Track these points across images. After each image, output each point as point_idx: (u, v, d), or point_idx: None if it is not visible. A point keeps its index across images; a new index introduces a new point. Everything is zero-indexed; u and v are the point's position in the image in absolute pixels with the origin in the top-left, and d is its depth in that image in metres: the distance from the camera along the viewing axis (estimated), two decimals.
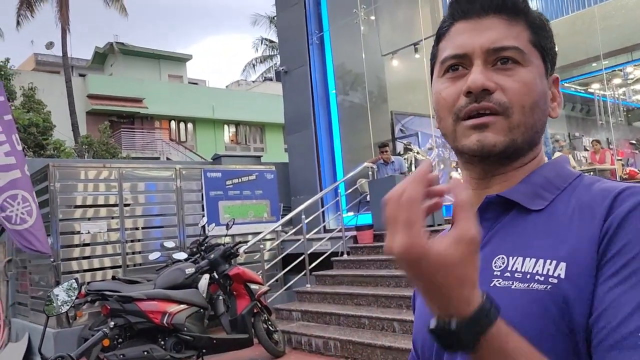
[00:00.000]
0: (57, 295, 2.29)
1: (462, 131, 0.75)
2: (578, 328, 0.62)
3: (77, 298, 2.39)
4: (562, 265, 0.64)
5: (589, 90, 12.68)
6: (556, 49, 0.79)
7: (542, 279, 0.65)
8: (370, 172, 8.42)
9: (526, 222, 0.72)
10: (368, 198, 8.86)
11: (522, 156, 0.76)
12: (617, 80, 12.35)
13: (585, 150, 12.34)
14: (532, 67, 0.74)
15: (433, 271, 0.53)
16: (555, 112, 0.79)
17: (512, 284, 0.67)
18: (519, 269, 0.68)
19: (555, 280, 0.64)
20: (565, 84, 11.86)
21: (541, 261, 0.66)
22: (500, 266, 0.70)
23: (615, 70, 11.50)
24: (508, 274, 0.69)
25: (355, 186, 9.03)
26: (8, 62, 15.09)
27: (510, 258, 0.70)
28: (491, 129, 0.73)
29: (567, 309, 0.62)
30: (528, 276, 0.66)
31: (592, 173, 8.45)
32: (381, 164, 8.60)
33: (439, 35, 0.80)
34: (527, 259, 0.68)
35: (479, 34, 0.74)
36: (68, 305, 2.25)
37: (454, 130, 0.76)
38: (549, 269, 0.65)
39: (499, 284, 0.69)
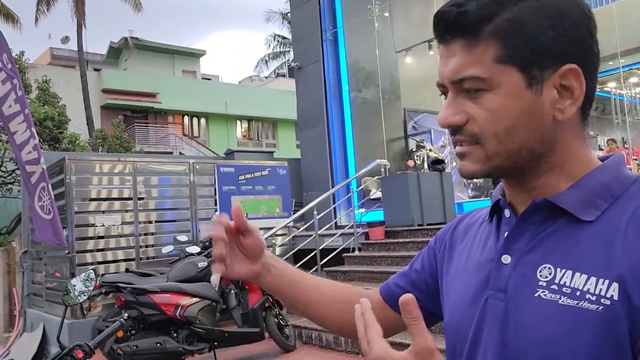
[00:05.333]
0: (74, 286, 2.33)
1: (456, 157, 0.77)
2: (625, 350, 0.61)
3: (93, 289, 2.43)
4: (615, 286, 0.62)
5: (605, 88, 12.53)
6: (561, 37, 0.68)
7: (593, 298, 0.63)
8: (382, 170, 8.41)
9: (577, 233, 0.68)
10: (373, 197, 8.87)
11: (533, 169, 0.72)
12: (634, 79, 12.19)
13: (600, 149, 12.21)
14: (499, 89, 0.68)
15: None
16: (565, 113, 0.70)
17: (560, 298, 0.65)
18: (567, 284, 0.66)
19: (608, 302, 0.62)
20: None
21: (593, 279, 0.64)
22: (546, 277, 0.68)
23: (632, 69, 11.35)
24: (555, 287, 0.67)
25: (367, 183, 9.05)
26: (23, 55, 15.23)
27: (559, 270, 0.67)
28: (467, 158, 0.73)
29: (617, 332, 0.61)
30: (578, 293, 0.64)
31: None
32: None
33: None
34: (578, 274, 0.65)
35: (446, 62, 0.72)
36: (85, 296, 2.29)
37: None
38: (601, 289, 0.63)
39: (545, 295, 0.67)
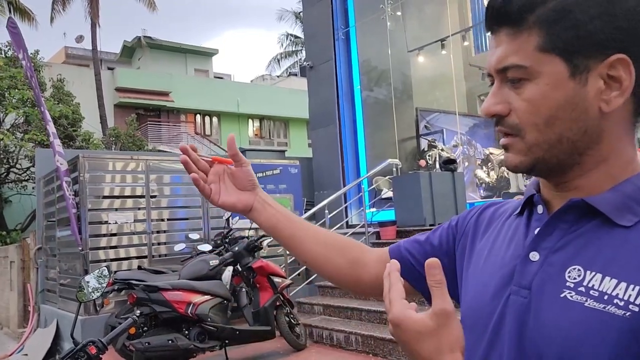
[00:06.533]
0: (88, 283, 2.36)
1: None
2: None
3: (106, 286, 2.45)
4: None
5: None
6: (610, 24, 0.66)
7: (621, 304, 0.62)
8: (394, 169, 8.39)
9: (610, 237, 0.67)
10: (384, 196, 8.85)
11: (575, 164, 0.71)
12: None
13: None
14: (540, 78, 0.68)
15: (410, 336, 0.64)
16: (611, 104, 0.67)
17: (586, 300, 0.64)
18: (595, 287, 0.64)
19: (637, 309, 0.61)
20: None
21: (623, 284, 0.63)
22: (575, 278, 0.67)
23: None
24: (582, 289, 0.65)
25: (378, 183, 9.03)
26: (38, 53, 15.39)
27: (588, 272, 0.66)
28: (511, 150, 0.73)
29: None
30: (606, 297, 0.63)
31: None
32: None
33: None
34: (607, 278, 0.64)
35: (493, 52, 0.73)
36: (99, 292, 2.31)
37: None
38: (630, 295, 0.62)
39: (571, 296, 0.66)
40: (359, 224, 8.06)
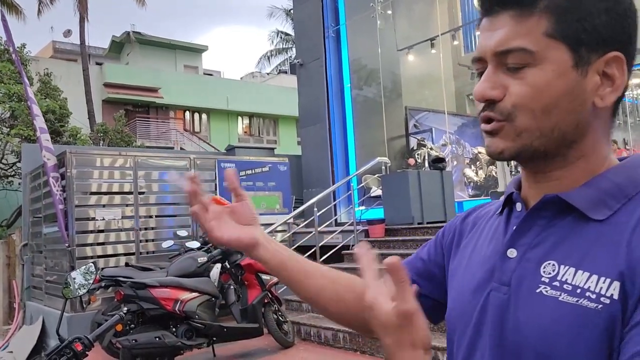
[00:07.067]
0: (74, 279, 2.35)
1: (483, 134, 0.74)
2: (616, 349, 0.61)
3: (92, 283, 2.44)
4: (616, 284, 0.62)
5: None
6: (614, 22, 0.67)
7: (593, 296, 0.63)
8: (383, 167, 8.42)
9: (585, 232, 0.68)
10: (373, 194, 8.88)
11: (559, 156, 0.71)
12: (636, 80, 12.17)
13: None
14: (546, 64, 0.67)
15: (377, 324, 0.64)
16: (605, 100, 0.68)
17: (560, 295, 0.65)
18: (569, 280, 0.65)
19: (607, 301, 0.61)
20: None
21: (594, 277, 0.63)
22: (549, 273, 0.68)
23: (634, 70, 11.30)
24: (557, 284, 0.66)
25: (367, 181, 9.05)
26: (24, 47, 15.20)
27: (562, 267, 0.67)
28: (498, 134, 0.71)
29: (613, 331, 0.61)
30: (578, 290, 0.64)
31: None
32: None
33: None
34: (580, 272, 0.65)
35: (490, 35, 0.70)
36: (85, 289, 2.31)
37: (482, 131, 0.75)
38: (601, 287, 0.62)
39: (546, 291, 0.67)
40: (347, 222, 8.08)
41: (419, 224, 7.16)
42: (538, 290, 0.68)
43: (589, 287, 0.63)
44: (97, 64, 25.17)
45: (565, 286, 0.65)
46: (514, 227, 0.75)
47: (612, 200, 0.68)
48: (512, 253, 0.73)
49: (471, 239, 0.86)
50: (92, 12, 27.31)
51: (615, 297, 0.61)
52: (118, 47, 28.02)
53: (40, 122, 6.96)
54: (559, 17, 0.67)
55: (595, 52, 0.67)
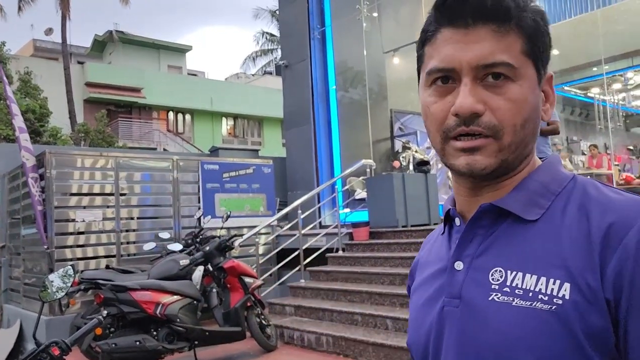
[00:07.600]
0: (52, 282, 2.28)
1: (451, 151, 0.72)
2: (586, 348, 0.62)
3: (71, 285, 2.38)
4: (567, 285, 0.64)
5: (589, 94, 12.69)
6: (550, 44, 0.74)
7: (546, 298, 0.64)
8: (368, 170, 8.41)
9: (522, 234, 0.70)
10: (357, 197, 8.87)
11: (514, 169, 0.73)
12: (617, 86, 12.37)
13: (583, 154, 12.36)
14: (523, 80, 0.69)
15: None
16: (547, 115, 0.75)
17: (513, 300, 0.66)
18: (519, 285, 0.67)
19: (560, 302, 0.63)
20: (565, 87, 11.86)
21: (543, 279, 0.65)
22: (498, 279, 0.69)
23: (615, 75, 11.51)
24: (507, 289, 0.68)
25: (352, 183, 9.04)
26: (4, 45, 14.96)
27: (509, 272, 0.68)
28: (481, 152, 0.70)
29: (573, 331, 0.62)
30: (530, 294, 0.65)
31: (589, 177, 8.45)
32: None
33: (424, 39, 0.75)
34: (528, 275, 0.67)
35: (466, 47, 0.69)
36: (63, 292, 2.24)
37: (442, 148, 0.73)
38: (552, 289, 0.64)
39: (498, 298, 0.68)
40: (332, 225, 8.05)
41: (403, 227, 7.16)
42: (490, 298, 0.69)
43: (540, 289, 0.65)
44: (79, 63, 24.88)
45: (517, 291, 0.67)
46: (457, 241, 0.76)
47: (541, 199, 0.71)
48: (459, 265, 0.74)
49: (423, 265, 0.88)
50: (74, 10, 26.97)
51: (567, 297, 0.63)
52: (100, 46, 27.71)
53: (19, 122, 6.83)
54: (529, 37, 0.70)
55: (544, 70, 0.73)
